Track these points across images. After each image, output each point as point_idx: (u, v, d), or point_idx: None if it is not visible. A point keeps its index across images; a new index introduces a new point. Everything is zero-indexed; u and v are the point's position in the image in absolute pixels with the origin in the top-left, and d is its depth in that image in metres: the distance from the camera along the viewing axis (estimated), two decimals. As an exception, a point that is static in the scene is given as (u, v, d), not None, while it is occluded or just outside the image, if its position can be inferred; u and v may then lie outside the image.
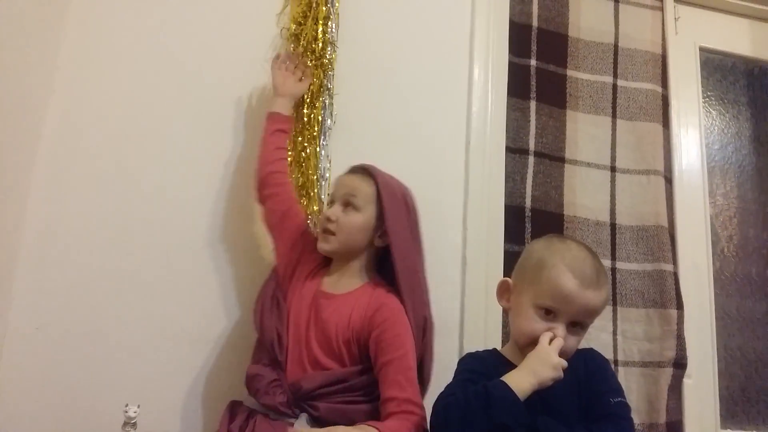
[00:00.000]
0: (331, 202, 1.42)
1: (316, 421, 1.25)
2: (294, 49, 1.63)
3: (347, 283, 1.39)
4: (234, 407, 1.33)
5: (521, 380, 1.06)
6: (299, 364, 1.31)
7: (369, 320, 1.30)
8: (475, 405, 1.04)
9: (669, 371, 1.75)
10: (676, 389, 1.77)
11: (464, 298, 1.65)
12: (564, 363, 1.08)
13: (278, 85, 1.56)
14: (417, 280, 1.39)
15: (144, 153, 1.59)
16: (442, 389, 1.17)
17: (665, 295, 1.81)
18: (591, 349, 1.26)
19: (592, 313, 1.16)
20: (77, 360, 1.46)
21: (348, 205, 1.38)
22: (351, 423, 1.20)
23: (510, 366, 1.14)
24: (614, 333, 1.80)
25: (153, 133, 1.60)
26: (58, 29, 1.58)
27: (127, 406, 0.92)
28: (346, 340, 1.30)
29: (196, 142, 1.62)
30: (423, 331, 1.34)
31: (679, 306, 1.81)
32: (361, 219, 1.38)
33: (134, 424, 0.92)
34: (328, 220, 1.38)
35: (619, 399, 1.15)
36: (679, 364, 1.77)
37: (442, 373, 1.29)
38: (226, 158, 1.63)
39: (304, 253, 1.45)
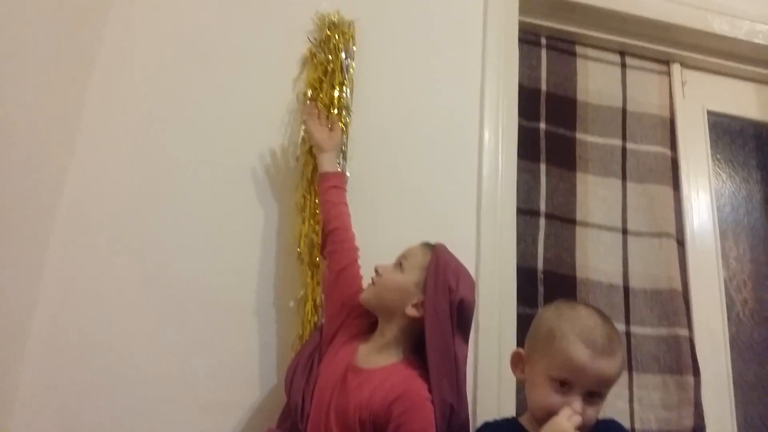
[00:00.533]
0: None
1: None
2: (310, 102, 1.66)
3: (379, 358, 1.31)
4: None
5: None
6: None
7: (388, 408, 1.20)
8: None
9: (687, 441, 1.72)
10: (695, 460, 1.73)
11: (477, 364, 1.63)
12: None
13: (322, 140, 1.57)
14: (451, 364, 1.27)
15: (165, 215, 1.60)
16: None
17: (681, 360, 1.78)
18: (613, 420, 1.23)
19: (608, 382, 1.13)
20: (93, 424, 1.44)
21: (398, 264, 1.38)
22: None
23: None
24: (630, 400, 1.76)
25: (173, 195, 1.62)
26: (81, 94, 1.62)
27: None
28: (362, 420, 1.22)
29: (218, 203, 1.63)
30: (447, 420, 1.24)
31: (696, 372, 1.77)
32: (401, 279, 1.35)
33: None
34: (376, 272, 1.38)
35: None
36: (698, 434, 1.73)
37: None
38: (249, 218, 1.64)
39: (350, 317, 1.42)
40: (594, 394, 1.12)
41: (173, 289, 1.55)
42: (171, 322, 1.53)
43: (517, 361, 1.23)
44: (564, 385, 1.11)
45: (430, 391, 1.24)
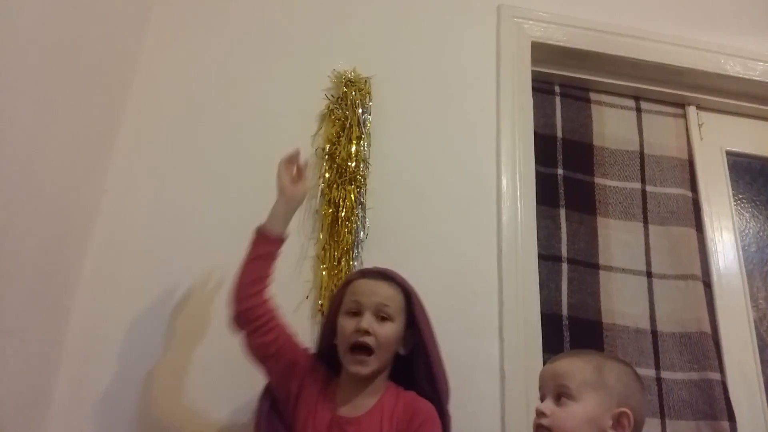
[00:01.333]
0: (354, 312, 1.32)
1: None
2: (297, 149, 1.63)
3: (368, 400, 1.30)
4: None
5: None
6: None
7: (407, 424, 1.26)
8: None
9: (727, 490, 1.65)
10: None
11: (504, 414, 1.60)
12: None
13: (283, 185, 1.42)
14: (447, 383, 1.39)
15: (187, 273, 1.63)
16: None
17: (715, 405, 1.73)
18: None
19: (560, 376, 1.17)
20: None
21: (381, 316, 1.31)
22: None
23: None
24: (665, 448, 1.71)
25: (195, 250, 1.65)
26: (107, 153, 1.69)
27: None
28: None
29: (239, 258, 1.64)
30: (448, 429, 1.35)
31: (731, 417, 1.72)
32: (395, 329, 1.32)
33: None
34: (366, 333, 1.27)
35: None
36: (737, 482, 1.67)
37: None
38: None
39: (305, 379, 1.33)
40: (560, 396, 1.16)
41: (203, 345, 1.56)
42: (205, 372, 1.53)
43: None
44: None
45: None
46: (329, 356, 1.38)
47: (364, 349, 1.28)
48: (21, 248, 1.32)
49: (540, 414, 1.15)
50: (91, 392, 1.50)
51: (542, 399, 1.20)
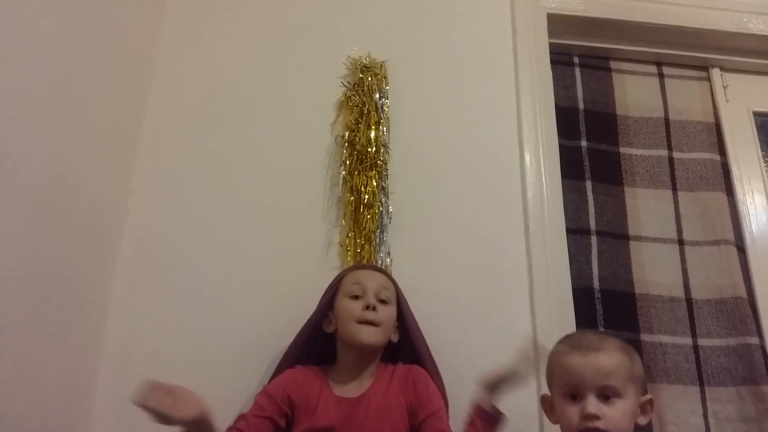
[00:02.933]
0: (357, 296, 1.40)
1: None
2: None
3: (365, 383, 1.38)
4: None
5: None
6: None
7: (407, 385, 1.37)
8: None
9: (771, 454, 1.63)
10: (781, 473, 1.64)
11: (539, 391, 1.59)
12: None
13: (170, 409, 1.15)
14: (436, 368, 1.46)
15: (216, 266, 1.65)
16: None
17: (755, 370, 1.71)
18: None
19: (608, 374, 1.09)
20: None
21: (381, 299, 1.41)
22: None
23: None
24: (705, 415, 1.69)
25: (223, 246, 1.67)
26: (131, 155, 1.71)
27: None
28: (401, 427, 1.32)
29: (262, 246, 1.68)
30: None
31: (772, 381, 1.70)
32: (394, 313, 1.44)
33: None
34: (374, 309, 1.37)
35: None
36: (782, 446, 1.65)
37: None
38: (292, 260, 1.67)
39: (295, 398, 1.35)
40: (607, 394, 1.09)
41: (227, 343, 1.59)
42: (234, 383, 1.55)
43: (546, 407, 1.21)
44: (575, 397, 1.11)
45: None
46: (318, 348, 1.46)
47: (373, 323, 1.37)
48: (55, 253, 1.35)
49: (593, 417, 1.07)
50: (131, 390, 1.52)
51: (575, 395, 1.12)
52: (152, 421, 1.46)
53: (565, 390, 1.13)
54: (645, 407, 1.14)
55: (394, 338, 1.44)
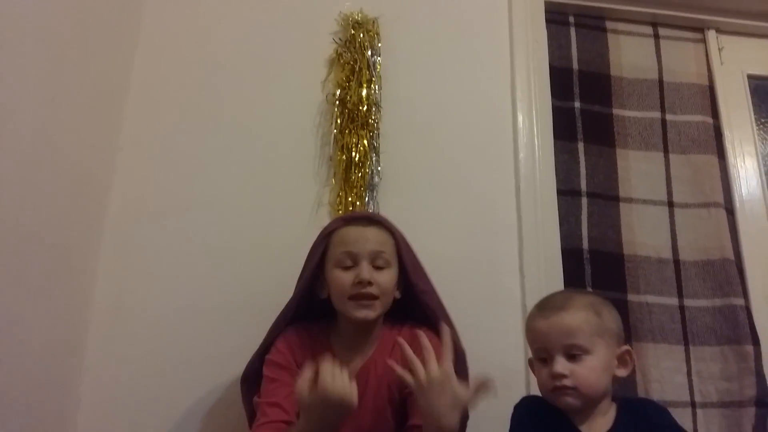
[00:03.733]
0: (347, 264, 1.24)
1: None
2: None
3: (368, 350, 1.27)
4: None
5: None
6: None
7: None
8: None
9: (751, 411, 1.66)
10: (761, 430, 1.67)
11: (527, 347, 1.60)
12: None
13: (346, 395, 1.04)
14: (448, 316, 1.32)
15: (206, 224, 1.64)
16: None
17: (739, 330, 1.73)
18: (650, 401, 1.21)
19: (572, 333, 1.10)
20: (153, 424, 1.49)
21: (378, 264, 1.24)
22: None
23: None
24: (689, 374, 1.72)
25: (210, 200, 1.66)
26: (118, 111, 1.69)
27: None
28: (400, 400, 1.23)
29: (253, 205, 1.67)
30: (465, 363, 1.30)
31: (755, 341, 1.72)
32: (394, 275, 1.27)
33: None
34: (369, 284, 1.21)
35: None
36: (762, 403, 1.67)
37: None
38: (283, 219, 1.66)
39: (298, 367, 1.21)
40: (574, 353, 1.11)
41: (220, 299, 1.59)
42: (223, 336, 1.56)
43: (531, 365, 1.22)
44: (545, 360, 1.14)
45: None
46: (311, 309, 1.32)
47: (368, 298, 1.22)
48: (43, 210, 1.34)
49: (559, 376, 1.09)
50: (122, 345, 1.54)
51: (545, 357, 1.13)
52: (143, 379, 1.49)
53: (536, 354, 1.16)
54: (623, 359, 1.15)
55: (397, 295, 1.29)
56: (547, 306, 1.17)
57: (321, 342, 1.28)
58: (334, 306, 1.28)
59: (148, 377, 1.52)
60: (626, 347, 1.16)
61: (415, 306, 1.32)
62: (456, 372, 1.16)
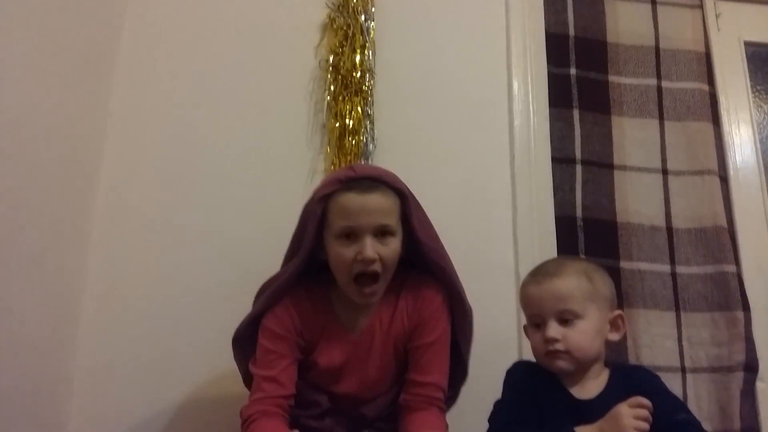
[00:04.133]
0: (348, 235, 1.14)
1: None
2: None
3: (372, 305, 1.23)
4: None
5: None
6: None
7: (417, 321, 1.22)
8: None
9: (740, 375, 1.69)
10: (749, 394, 1.70)
11: (519, 314, 1.62)
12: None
13: None
14: (455, 273, 1.26)
15: (198, 186, 1.64)
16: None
17: (730, 297, 1.75)
18: (642, 368, 1.23)
19: (563, 298, 1.12)
20: (145, 397, 1.50)
21: (384, 232, 1.15)
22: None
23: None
24: (679, 339, 1.74)
25: (203, 165, 1.65)
26: (109, 78, 1.67)
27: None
28: (402, 350, 1.23)
29: (246, 172, 1.66)
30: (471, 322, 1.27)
31: (746, 307, 1.74)
32: (399, 243, 1.18)
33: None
34: (372, 261, 1.13)
35: (684, 416, 1.11)
36: (750, 368, 1.70)
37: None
38: (276, 185, 1.66)
39: (299, 332, 1.22)
40: (566, 318, 1.12)
41: (214, 266, 1.59)
42: (217, 300, 1.57)
43: (526, 331, 1.23)
44: (538, 325, 1.15)
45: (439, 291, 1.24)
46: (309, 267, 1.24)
47: (372, 277, 1.15)
48: (34, 177, 1.33)
49: (552, 340, 1.11)
50: (117, 311, 1.54)
51: (538, 322, 1.15)
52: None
53: (530, 320, 1.18)
54: (616, 323, 1.17)
55: (402, 254, 1.20)
56: (539, 272, 1.19)
57: (322, 305, 1.24)
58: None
59: (142, 358, 1.53)
60: (618, 312, 1.18)
61: (419, 257, 1.24)
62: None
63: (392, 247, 1.15)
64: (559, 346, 1.11)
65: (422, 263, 1.25)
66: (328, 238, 1.17)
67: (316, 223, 1.17)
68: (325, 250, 1.20)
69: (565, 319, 1.12)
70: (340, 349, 1.22)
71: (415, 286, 1.24)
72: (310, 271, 1.24)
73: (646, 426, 1.02)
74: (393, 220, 1.16)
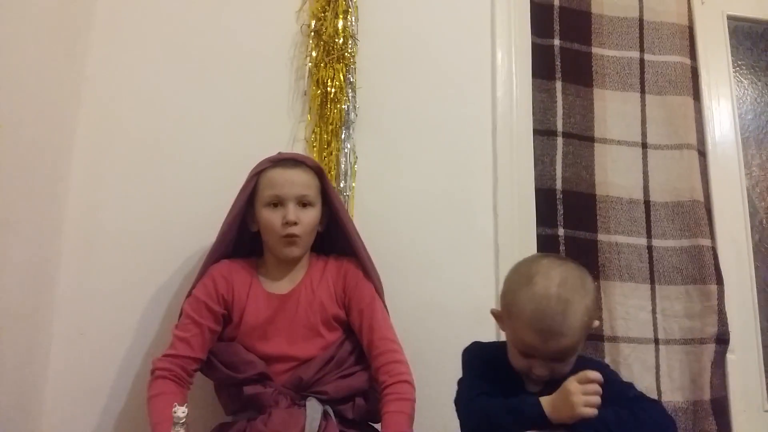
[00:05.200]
0: (275, 204, 1.35)
1: (326, 404, 1.29)
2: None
3: (297, 276, 1.40)
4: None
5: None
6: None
7: (343, 280, 1.40)
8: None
9: (711, 347, 1.73)
10: (719, 365, 1.75)
11: (498, 286, 1.64)
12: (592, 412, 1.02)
13: None
14: (367, 252, 1.44)
15: (175, 156, 1.61)
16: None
17: (704, 270, 1.78)
18: (591, 360, 1.23)
19: (565, 352, 1.09)
20: (121, 363, 1.50)
21: (302, 202, 1.36)
22: (359, 393, 1.33)
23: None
24: (653, 311, 1.78)
25: (180, 133, 1.62)
26: (85, 41, 1.61)
27: (175, 406, 0.94)
28: (332, 316, 1.36)
29: (226, 139, 1.64)
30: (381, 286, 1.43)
31: (719, 281, 1.78)
32: (317, 213, 1.39)
33: (183, 424, 0.94)
34: (294, 224, 1.33)
35: (635, 392, 1.14)
36: (722, 340, 1.74)
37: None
38: (255, 161, 1.63)
39: (223, 297, 1.37)
40: (557, 359, 1.11)
41: (191, 231, 1.57)
42: (194, 266, 1.56)
43: (497, 319, 1.22)
44: (528, 354, 1.11)
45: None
46: (245, 241, 1.44)
47: (293, 236, 1.35)
48: (7, 141, 1.29)
49: (541, 376, 1.10)
50: (94, 277, 1.52)
51: (530, 355, 1.10)
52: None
53: (517, 347, 1.12)
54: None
55: (320, 229, 1.42)
56: (544, 330, 1.07)
57: (247, 272, 1.41)
58: (263, 240, 1.41)
59: (118, 308, 1.52)
60: (596, 323, 1.15)
61: (339, 241, 1.45)
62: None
63: (311, 215, 1.37)
64: (544, 378, 1.11)
65: (338, 243, 1.45)
66: (259, 208, 1.38)
67: (247, 195, 1.39)
68: (255, 221, 1.39)
69: (558, 359, 1.10)
70: (267, 306, 1.36)
71: (336, 262, 1.44)
72: (243, 251, 1.45)
73: (597, 400, 1.02)
74: (312, 193, 1.38)
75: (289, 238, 1.34)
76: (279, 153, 1.42)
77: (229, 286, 1.37)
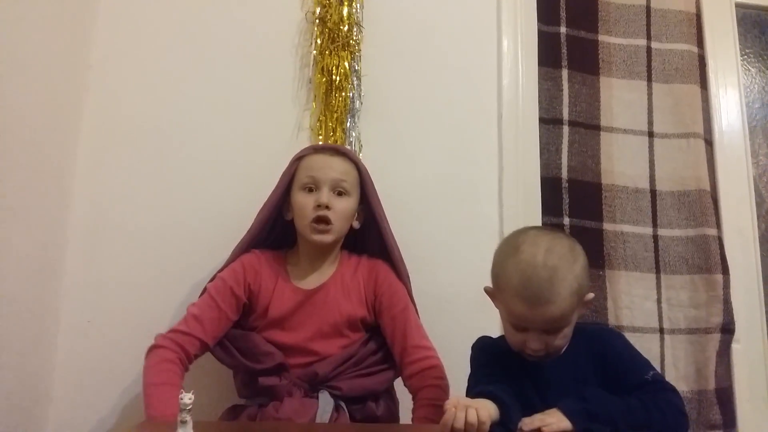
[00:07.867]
0: (310, 188, 1.33)
1: (338, 400, 1.29)
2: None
3: (328, 270, 1.38)
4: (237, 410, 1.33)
5: None
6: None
7: (374, 282, 1.37)
8: None
9: (716, 337, 1.73)
10: (724, 355, 1.74)
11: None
12: None
13: None
14: (400, 253, 1.42)
15: (180, 144, 1.61)
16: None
17: (710, 260, 1.78)
18: (604, 329, 1.22)
19: (556, 320, 1.08)
20: (129, 351, 1.50)
21: (338, 191, 1.34)
22: (373, 395, 1.31)
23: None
24: (659, 301, 1.77)
25: (185, 121, 1.62)
26: (89, 30, 1.61)
27: (182, 393, 0.94)
28: (359, 318, 1.34)
29: (231, 126, 1.64)
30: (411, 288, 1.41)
31: (725, 270, 1.77)
32: (352, 203, 1.36)
33: (189, 411, 0.94)
34: (326, 207, 1.31)
35: (653, 374, 1.11)
36: (727, 330, 1.74)
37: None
38: (262, 141, 1.64)
39: (250, 285, 1.35)
40: (553, 330, 1.10)
41: (199, 222, 1.58)
42: (200, 256, 1.56)
43: (490, 297, 1.20)
44: (520, 327, 1.11)
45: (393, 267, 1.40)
46: (278, 232, 1.42)
47: (325, 221, 1.32)
48: (13, 131, 1.29)
49: (536, 350, 1.09)
50: (101, 265, 1.53)
51: (523, 328, 1.10)
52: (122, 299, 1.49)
53: (510, 321, 1.12)
54: (586, 304, 1.15)
55: (356, 225, 1.40)
56: (531, 297, 1.06)
57: (277, 263, 1.39)
58: (296, 228, 1.38)
59: (126, 296, 1.53)
60: (590, 297, 1.14)
61: (373, 241, 1.42)
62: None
63: (345, 204, 1.34)
64: (540, 353, 1.10)
65: (374, 244, 1.42)
66: (295, 192, 1.36)
67: (287, 181, 1.37)
68: (291, 208, 1.37)
69: (552, 329, 1.09)
70: (292, 299, 1.34)
71: (368, 263, 1.41)
72: (277, 242, 1.43)
73: None
74: (349, 181, 1.35)
75: (319, 223, 1.31)
76: (325, 143, 1.43)
77: (258, 277, 1.35)
